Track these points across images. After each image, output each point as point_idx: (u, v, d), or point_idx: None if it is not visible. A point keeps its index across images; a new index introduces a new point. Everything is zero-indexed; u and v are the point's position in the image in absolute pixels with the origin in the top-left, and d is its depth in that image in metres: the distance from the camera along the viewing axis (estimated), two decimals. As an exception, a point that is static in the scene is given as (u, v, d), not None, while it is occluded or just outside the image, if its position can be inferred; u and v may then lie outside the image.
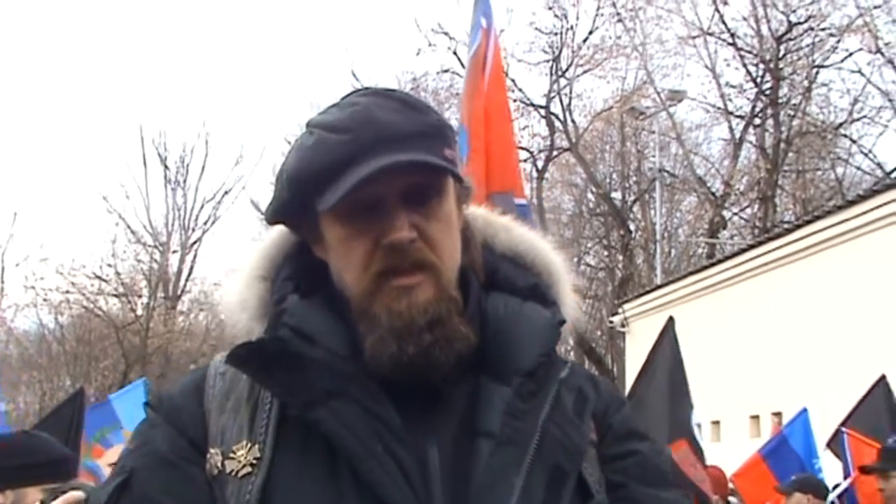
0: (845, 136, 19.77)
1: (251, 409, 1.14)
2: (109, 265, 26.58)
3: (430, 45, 20.27)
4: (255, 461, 1.10)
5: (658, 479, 1.22)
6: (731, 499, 6.49)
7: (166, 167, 27.82)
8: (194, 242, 28.00)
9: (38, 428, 5.84)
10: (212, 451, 1.13)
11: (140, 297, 27.10)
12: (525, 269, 1.26)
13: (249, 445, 1.11)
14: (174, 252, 27.76)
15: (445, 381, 1.15)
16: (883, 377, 6.13)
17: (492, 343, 1.18)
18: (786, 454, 6.43)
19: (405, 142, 1.11)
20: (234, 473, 1.10)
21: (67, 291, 26.06)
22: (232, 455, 1.11)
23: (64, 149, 47.71)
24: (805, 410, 6.74)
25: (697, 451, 4.46)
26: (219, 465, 1.12)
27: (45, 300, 26.50)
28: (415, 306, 1.12)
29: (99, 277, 26.20)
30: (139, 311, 26.58)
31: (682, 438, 4.36)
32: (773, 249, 12.85)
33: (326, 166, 1.12)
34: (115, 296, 26.78)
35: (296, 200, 1.16)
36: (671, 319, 4.77)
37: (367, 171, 1.08)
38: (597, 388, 1.23)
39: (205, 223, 27.86)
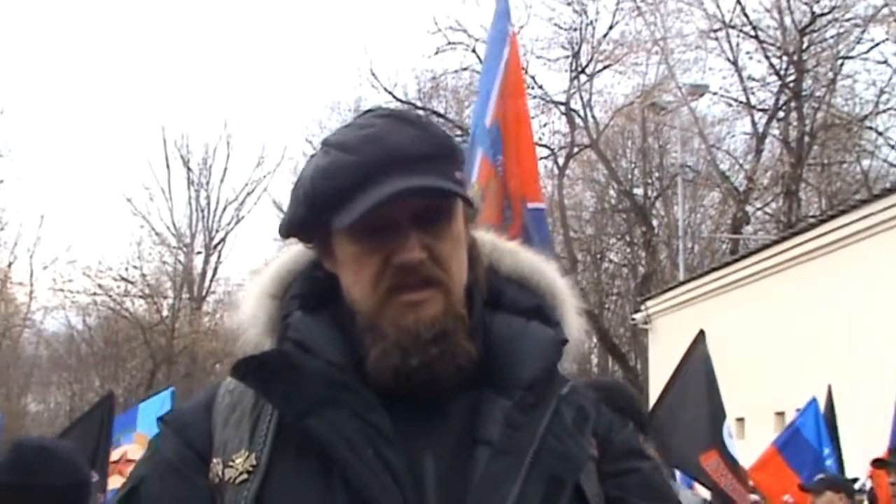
0: (871, 128, 19.53)
1: (253, 420, 1.20)
2: (135, 267, 26.90)
3: (449, 43, 20.27)
4: (251, 468, 1.15)
5: (658, 496, 1.25)
6: (752, 496, 6.48)
7: (189, 169, 28.10)
8: (218, 243, 28.22)
9: (69, 432, 5.90)
10: (214, 461, 1.19)
11: (165, 298, 27.37)
12: (530, 291, 1.30)
13: (247, 454, 1.17)
14: (198, 253, 28.03)
15: (446, 393, 1.18)
16: None
17: (494, 358, 1.21)
18: (800, 445, 6.43)
19: (418, 165, 1.16)
20: (232, 481, 1.16)
21: (94, 293, 26.40)
22: (231, 464, 1.17)
23: (89, 152, 48.29)
24: (814, 400, 6.74)
25: (729, 461, 4.49)
26: (219, 473, 1.18)
27: (73, 302, 26.86)
28: (422, 321, 1.16)
29: (125, 279, 26.50)
30: (165, 312, 26.84)
31: (713, 448, 4.41)
32: (798, 244, 12.74)
33: (342, 186, 1.16)
34: (142, 297, 27.07)
35: (310, 217, 1.21)
36: (702, 332, 4.79)
37: (384, 194, 1.13)
38: (599, 407, 1.26)
39: (228, 224, 28.13)
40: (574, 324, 1.31)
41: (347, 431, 1.12)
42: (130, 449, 7.30)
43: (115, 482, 6.72)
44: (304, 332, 1.20)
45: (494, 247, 1.34)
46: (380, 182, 1.14)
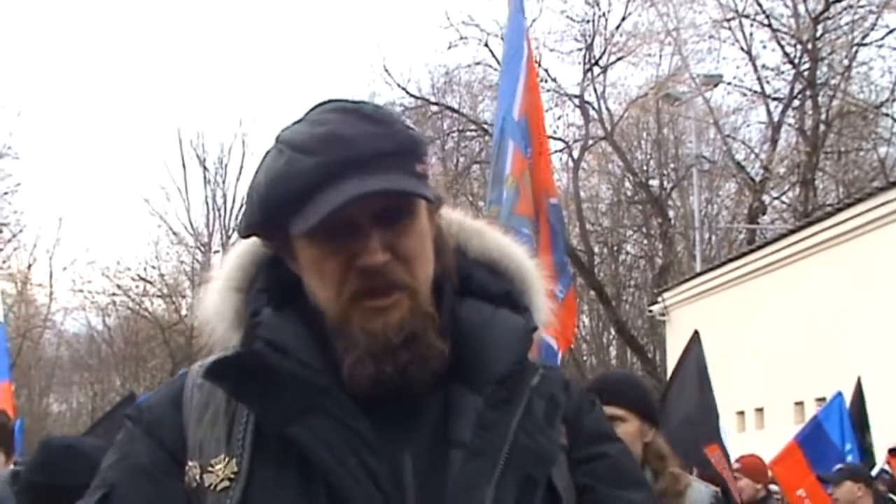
0: (887, 115, 19.40)
1: (228, 421, 1.16)
2: (153, 267, 27.09)
3: (461, 38, 20.24)
4: (232, 475, 1.12)
5: (627, 480, 1.23)
6: (771, 486, 6.48)
7: (205, 168, 28.19)
8: (235, 242, 28.31)
9: (92, 431, 6.00)
10: (190, 463, 1.15)
11: (184, 297, 27.53)
12: (498, 275, 1.26)
13: (227, 459, 1.13)
14: (216, 252, 28.12)
15: (420, 393, 1.16)
16: None
17: (464, 351, 1.18)
18: (820, 439, 6.42)
19: (377, 163, 1.12)
20: (212, 487, 1.12)
21: (114, 294, 26.60)
22: (210, 469, 1.13)
23: (106, 154, 48.56)
24: (840, 394, 6.71)
25: (726, 455, 4.74)
26: (197, 478, 1.14)
27: (92, 303, 27.07)
28: (389, 326, 1.12)
29: (143, 279, 26.69)
30: (184, 312, 26.98)
31: (714, 443, 4.56)
32: (815, 233, 12.69)
33: (297, 189, 1.12)
34: (160, 297, 27.25)
35: (267, 220, 1.16)
36: (696, 333, 4.95)
37: (340, 199, 1.09)
38: (568, 391, 1.24)
39: (245, 222, 28.18)
40: (543, 308, 1.28)
41: (330, 439, 1.10)
42: None
43: None
44: (275, 332, 1.15)
45: (461, 227, 1.30)
46: (337, 185, 1.10)
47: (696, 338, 4.94)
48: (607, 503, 1.20)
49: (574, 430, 1.23)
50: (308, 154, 1.13)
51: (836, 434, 6.48)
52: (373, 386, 1.13)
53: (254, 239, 1.25)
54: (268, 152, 1.18)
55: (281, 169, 1.14)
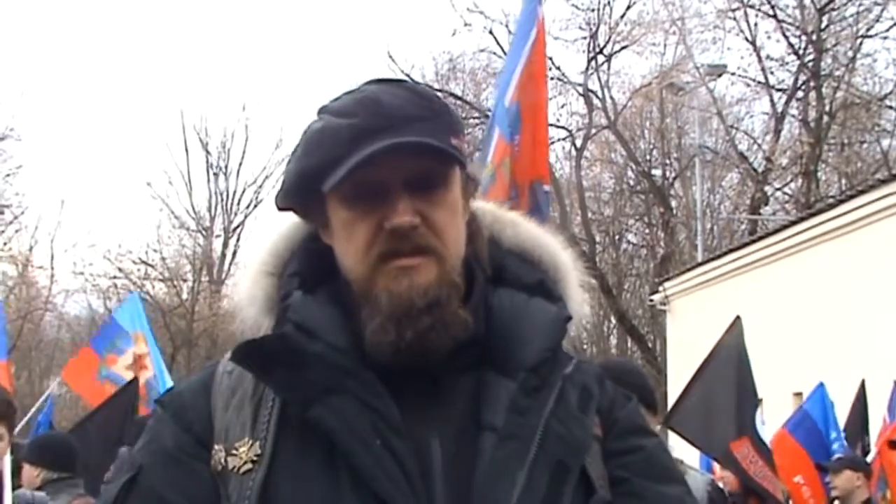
0: (891, 107, 19.34)
1: (255, 406, 1.16)
2: (155, 250, 27.10)
3: (465, 24, 20.19)
4: (255, 458, 1.12)
5: (662, 474, 1.21)
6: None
7: (208, 152, 28.18)
8: (237, 226, 28.31)
9: (96, 415, 6.05)
10: (216, 447, 1.15)
11: (185, 281, 27.56)
12: (532, 265, 1.26)
13: (251, 442, 1.13)
14: (217, 236, 28.16)
15: (448, 373, 1.15)
16: None
17: (497, 337, 1.18)
18: (809, 428, 6.42)
19: (410, 126, 1.12)
20: (236, 470, 1.12)
21: (115, 277, 26.62)
22: (234, 452, 1.14)
23: (108, 137, 48.53)
24: (822, 385, 6.71)
25: (760, 448, 4.46)
26: (222, 461, 1.14)
27: (93, 286, 27.10)
28: (415, 287, 1.12)
29: (145, 262, 26.70)
30: (185, 296, 27.02)
31: (745, 436, 4.37)
32: (817, 225, 12.68)
33: (331, 148, 1.13)
34: (161, 280, 27.27)
35: (303, 184, 1.17)
36: (738, 318, 4.73)
37: (370, 150, 1.10)
38: (602, 384, 1.24)
39: (247, 207, 28.21)
40: (578, 298, 1.27)
41: (354, 421, 1.09)
42: (136, 348, 7.62)
43: (145, 376, 7.18)
44: (304, 314, 1.16)
45: (495, 218, 1.30)
46: (370, 142, 1.11)
47: (737, 323, 4.71)
48: (641, 495, 1.18)
49: (608, 423, 1.22)
50: (344, 117, 1.15)
51: (821, 423, 6.50)
52: (394, 354, 1.12)
53: (287, 224, 1.26)
54: (308, 124, 1.20)
55: (317, 132, 1.17)
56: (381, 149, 1.09)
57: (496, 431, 1.11)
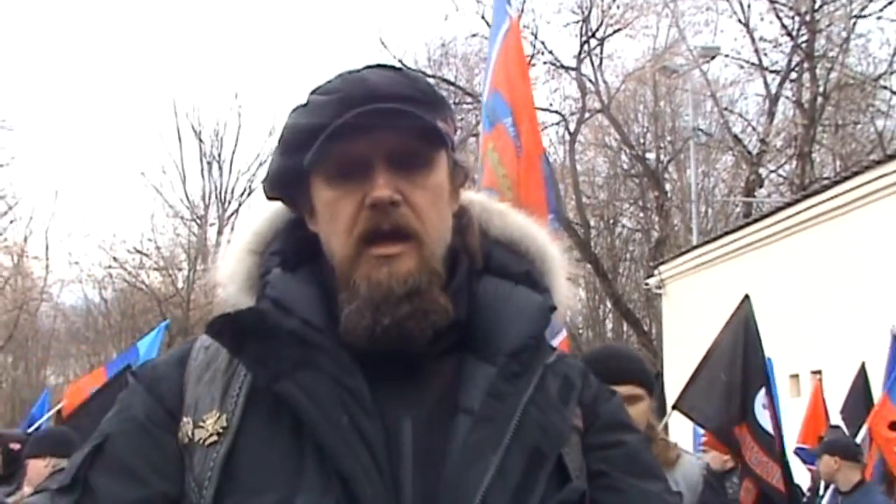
0: (885, 87, 19.32)
1: (226, 380, 1.15)
2: (149, 240, 27.06)
3: (457, 9, 20.13)
4: (221, 430, 1.12)
5: (643, 470, 1.20)
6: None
7: (201, 141, 28.09)
8: (231, 215, 28.29)
9: (90, 403, 6.05)
10: (185, 419, 1.15)
11: (180, 270, 27.52)
12: (519, 255, 1.26)
13: (218, 415, 1.13)
14: (212, 225, 28.10)
15: (427, 357, 1.14)
16: None
17: (479, 322, 1.17)
18: None
19: (395, 102, 1.12)
20: (201, 442, 1.12)
21: (110, 266, 26.60)
22: (201, 424, 1.13)
23: (101, 127, 48.35)
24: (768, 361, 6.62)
25: (757, 434, 4.34)
26: (189, 433, 1.14)
27: (89, 275, 27.07)
28: (395, 276, 1.11)
29: (140, 252, 26.66)
30: (180, 284, 27.00)
31: (744, 422, 4.28)
32: (812, 206, 12.68)
33: (314, 123, 1.13)
34: (156, 269, 27.24)
35: (288, 164, 1.17)
36: (747, 297, 4.61)
37: (350, 114, 1.10)
38: (586, 378, 1.23)
39: (241, 195, 28.15)
40: (564, 290, 1.27)
41: (321, 396, 1.08)
42: None
43: None
44: (281, 290, 1.15)
45: (484, 208, 1.29)
46: (352, 112, 1.11)
47: (747, 302, 4.57)
48: (621, 489, 1.17)
49: (590, 416, 1.21)
50: (329, 94, 1.15)
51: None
52: (369, 339, 1.11)
53: (272, 208, 1.26)
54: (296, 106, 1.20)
55: (302, 111, 1.17)
56: (363, 112, 1.09)
57: (472, 414, 1.10)
